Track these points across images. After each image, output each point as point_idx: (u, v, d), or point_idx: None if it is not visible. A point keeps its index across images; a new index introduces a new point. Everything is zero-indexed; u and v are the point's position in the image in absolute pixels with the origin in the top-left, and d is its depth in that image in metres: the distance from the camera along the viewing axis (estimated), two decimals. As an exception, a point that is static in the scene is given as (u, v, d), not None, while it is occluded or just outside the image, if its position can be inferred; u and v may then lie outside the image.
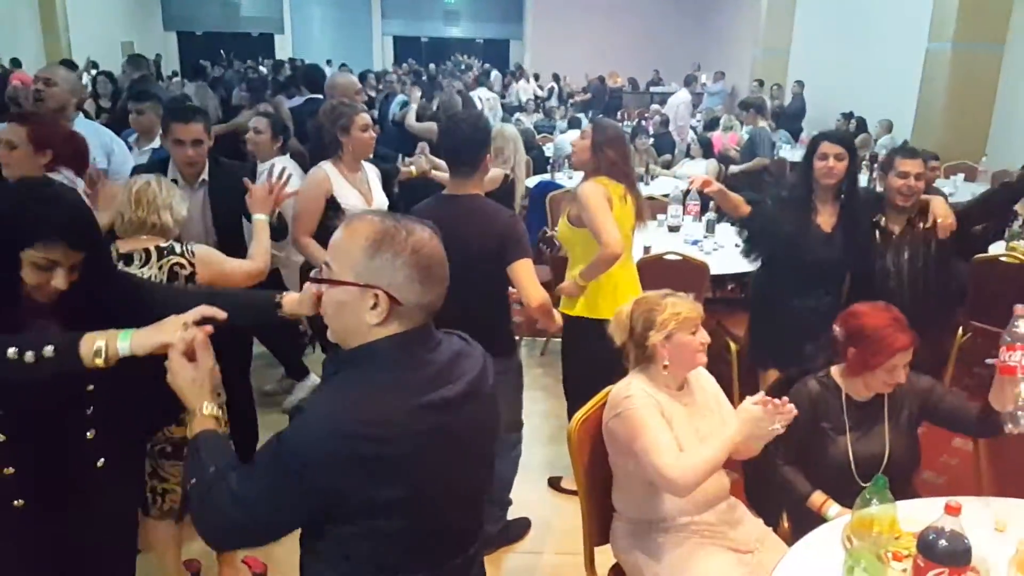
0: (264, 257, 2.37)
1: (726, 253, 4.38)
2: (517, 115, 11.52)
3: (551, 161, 6.99)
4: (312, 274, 1.27)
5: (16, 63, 11.61)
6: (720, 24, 15.92)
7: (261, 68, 13.13)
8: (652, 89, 15.68)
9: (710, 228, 4.66)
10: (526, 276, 2.44)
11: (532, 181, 6.32)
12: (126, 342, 1.40)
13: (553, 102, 13.58)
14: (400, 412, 1.17)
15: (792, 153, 8.87)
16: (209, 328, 1.41)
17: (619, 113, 12.76)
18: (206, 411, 1.31)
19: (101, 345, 1.39)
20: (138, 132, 4.13)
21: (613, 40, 16.85)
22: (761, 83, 11.39)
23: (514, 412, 2.72)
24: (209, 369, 1.35)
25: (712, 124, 9.44)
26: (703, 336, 2.03)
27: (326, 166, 3.06)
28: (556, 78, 15.39)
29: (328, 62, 14.43)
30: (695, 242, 4.49)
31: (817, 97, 11.06)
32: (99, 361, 1.39)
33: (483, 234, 2.42)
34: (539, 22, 17.53)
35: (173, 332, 1.38)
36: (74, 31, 15.70)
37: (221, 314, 1.48)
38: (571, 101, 13.96)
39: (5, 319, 1.44)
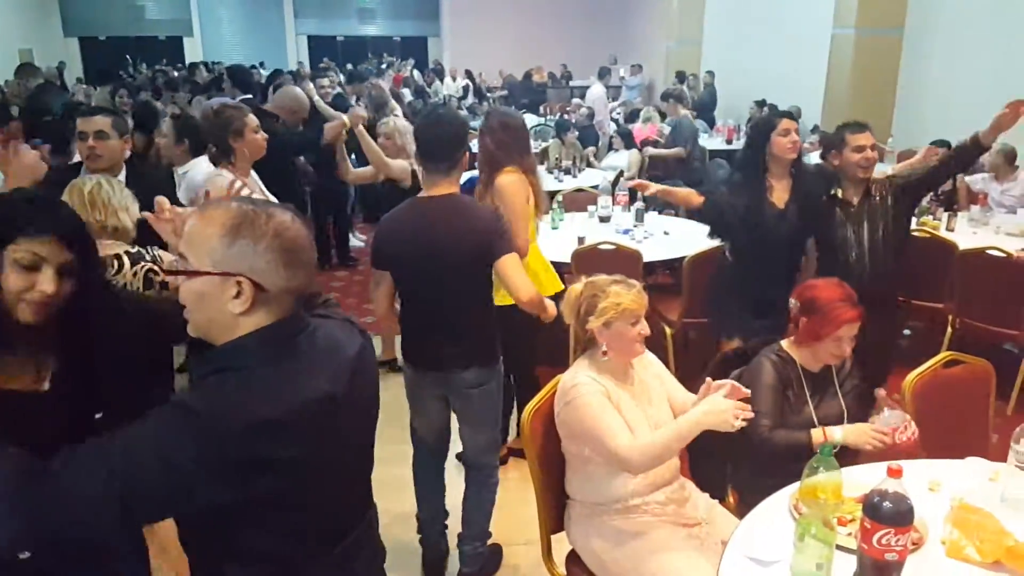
0: None
1: (656, 240, 4.51)
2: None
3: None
4: (166, 266, 1.20)
5: None
6: (635, 17, 16.23)
7: (173, 72, 12.57)
8: (572, 84, 15.86)
9: (639, 217, 4.76)
10: (514, 270, 2.37)
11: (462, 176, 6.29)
12: None
13: (470, 99, 13.56)
14: (286, 412, 1.12)
15: (708, 142, 9.14)
16: None
17: (542, 107, 12.86)
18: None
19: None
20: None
21: (530, 36, 16.95)
22: (683, 75, 11.67)
23: (491, 432, 2.62)
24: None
25: (632, 116, 9.64)
26: (643, 328, 2.04)
27: (226, 172, 2.90)
28: (469, 75, 15.37)
29: (261, 64, 14.02)
30: (626, 231, 4.57)
31: (730, 86, 11.42)
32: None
33: (470, 232, 2.33)
34: (456, 19, 17.48)
35: None
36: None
37: None
38: (491, 97, 13.99)
39: None
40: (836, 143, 3.05)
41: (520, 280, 2.38)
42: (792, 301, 2.29)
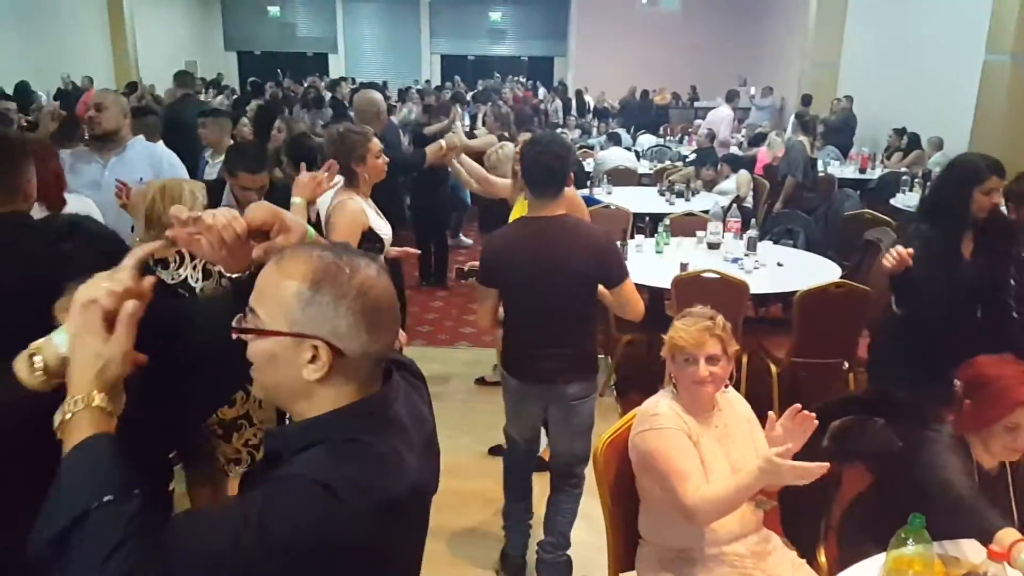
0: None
1: (768, 272, 4.30)
2: (559, 130, 11.58)
3: (591, 176, 7.00)
4: (234, 322, 1.03)
5: (89, 81, 12.18)
6: (767, 38, 15.71)
7: (322, 87, 13.40)
8: (696, 104, 15.55)
9: (751, 246, 4.56)
10: (632, 293, 2.55)
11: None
12: (62, 335, 1.03)
13: (585, 117, 13.59)
14: (407, 489, 1.01)
15: (840, 170, 8.68)
16: (147, 293, 1.04)
17: (662, 128, 12.69)
18: (95, 402, 0.95)
19: (37, 357, 1.03)
20: (208, 146, 4.37)
21: (659, 56, 16.79)
22: (808, 98, 11.18)
23: (586, 442, 2.64)
24: (122, 352, 0.99)
25: (757, 139, 9.32)
26: (703, 370, 1.91)
27: (355, 197, 2.92)
28: (579, 93, 15.38)
29: (384, 84, 14.71)
30: (735, 260, 4.40)
31: (868, 112, 10.79)
32: (39, 375, 1.03)
33: (584, 251, 2.45)
34: (584, 39, 17.58)
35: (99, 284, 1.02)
36: (141, 51, 16.43)
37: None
38: (609, 116, 13.94)
39: None
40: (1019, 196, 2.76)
41: (638, 304, 2.56)
42: (956, 382, 1.95)
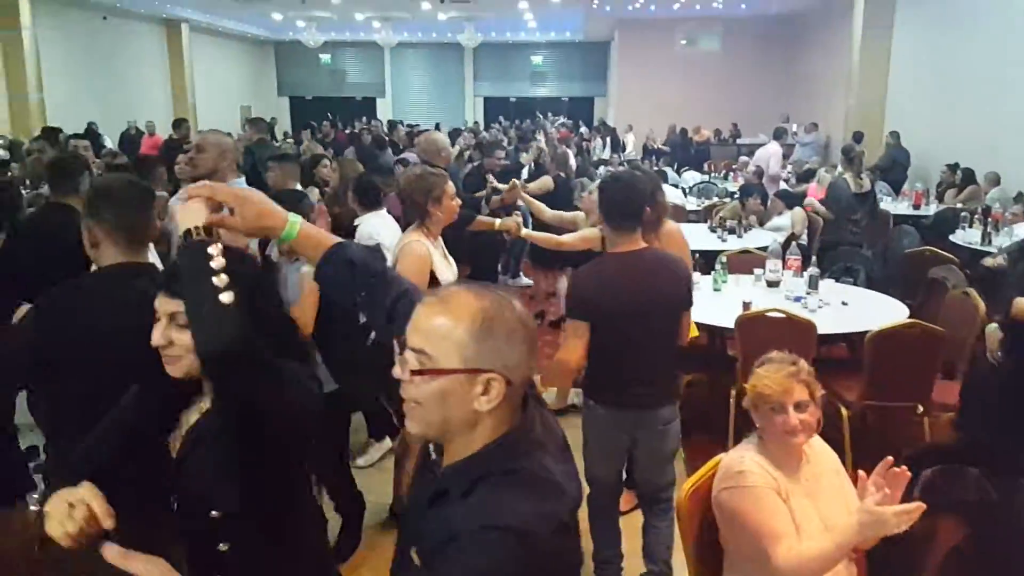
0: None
1: (833, 311, 4.17)
2: (602, 168, 11.71)
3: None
4: (408, 367, 1.05)
5: (152, 126, 12.78)
6: (809, 75, 15.70)
7: (373, 127, 13.75)
8: (739, 141, 15.56)
9: (813, 284, 4.50)
10: (690, 317, 2.75)
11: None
12: None
13: (619, 154, 13.72)
14: (570, 506, 1.06)
15: (894, 206, 8.58)
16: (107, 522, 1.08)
17: (705, 164, 12.73)
18: None
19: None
20: (274, 188, 4.56)
21: (698, 93, 16.89)
22: (860, 135, 11.12)
23: (672, 466, 2.74)
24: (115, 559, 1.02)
25: (807, 176, 9.28)
26: (792, 418, 1.83)
27: (422, 239, 2.91)
28: (613, 131, 15.50)
29: (436, 126, 14.96)
30: (798, 298, 4.31)
31: (918, 147, 10.68)
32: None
33: (674, 281, 2.62)
34: (624, 80, 17.81)
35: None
36: (199, 96, 17.20)
37: None
38: (655, 154, 14.05)
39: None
40: None
41: (691, 326, 2.74)
42: None
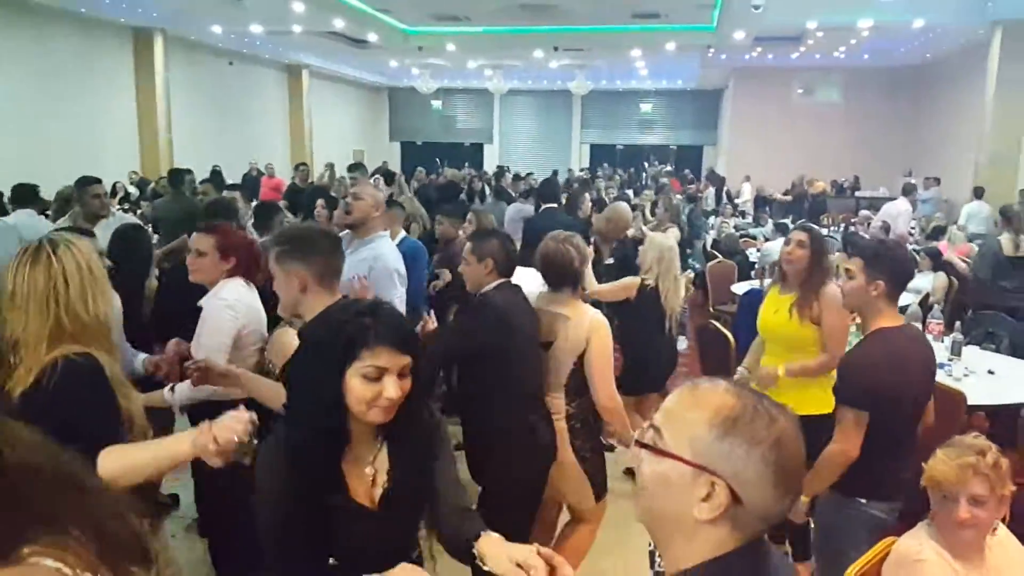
0: None
1: (979, 380, 3.87)
2: (712, 219, 11.40)
3: (755, 266, 6.74)
4: (636, 435, 1.03)
5: (271, 169, 13.54)
6: (933, 127, 14.87)
7: (486, 176, 13.77)
8: (857, 194, 14.85)
9: (955, 350, 4.15)
10: None
11: (741, 287, 6.19)
12: None
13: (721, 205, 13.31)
14: None
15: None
16: None
17: (822, 217, 12.16)
18: None
19: None
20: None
21: (814, 144, 16.33)
22: (981, 191, 10.38)
23: None
24: None
25: (935, 234, 8.67)
26: (963, 511, 1.69)
27: (588, 308, 2.79)
28: (722, 181, 15.09)
29: (555, 174, 14.75)
30: (941, 366, 3.98)
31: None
32: None
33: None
34: (737, 129, 17.47)
35: None
36: (316, 141, 18.17)
37: None
38: (768, 205, 13.60)
39: (331, 447, 1.41)
40: None
41: None
42: None
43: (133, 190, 11.35)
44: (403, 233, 4.20)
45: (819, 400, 2.81)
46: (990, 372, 4.00)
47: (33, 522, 1.07)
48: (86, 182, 4.69)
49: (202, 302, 2.50)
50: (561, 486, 2.72)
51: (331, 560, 1.40)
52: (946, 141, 14.09)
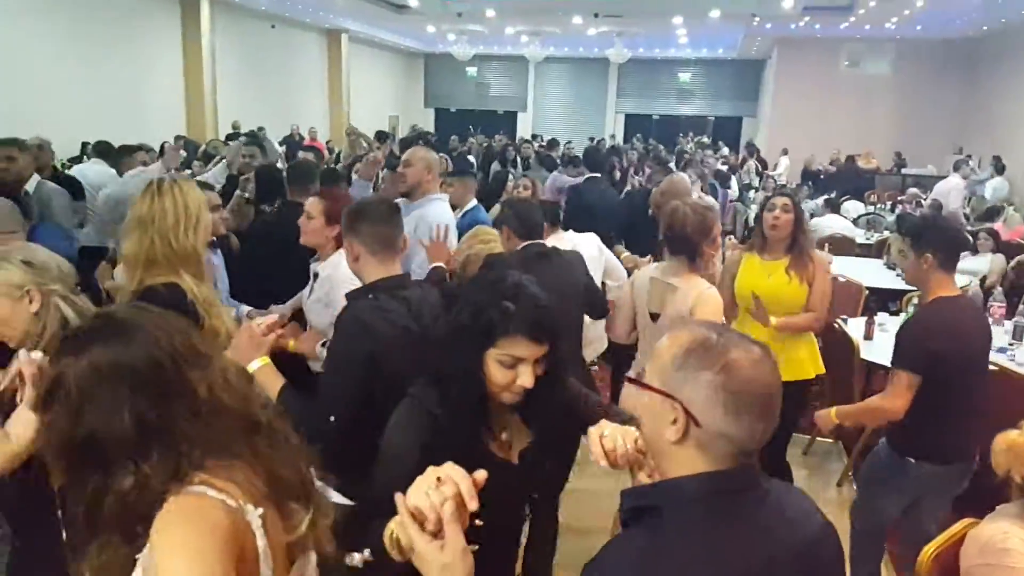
0: None
1: (1045, 366, 3.79)
2: (753, 193, 11.21)
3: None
4: (629, 373, 1.17)
5: (313, 132, 13.59)
6: (990, 104, 14.37)
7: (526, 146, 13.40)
8: (904, 171, 14.48)
9: (1017, 335, 4.08)
10: None
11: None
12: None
13: (776, 176, 13.02)
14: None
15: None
16: (475, 484, 1.06)
17: (866, 194, 11.91)
18: None
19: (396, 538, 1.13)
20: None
21: (858, 118, 15.90)
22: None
23: None
24: (460, 550, 1.00)
25: (989, 214, 8.46)
26: None
27: (714, 288, 2.77)
28: (753, 151, 14.73)
29: (613, 145, 14.48)
30: (1001, 350, 3.93)
31: None
32: (394, 553, 1.13)
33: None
34: (780, 101, 17.03)
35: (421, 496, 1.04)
36: (354, 106, 18.14)
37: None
38: (814, 179, 13.30)
39: (469, 419, 1.44)
40: None
41: None
42: None
43: (182, 153, 11.44)
44: (474, 202, 4.11)
45: (799, 365, 3.08)
46: (1059, 359, 3.91)
47: (211, 453, 1.12)
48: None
49: (321, 268, 2.62)
50: None
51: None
52: (1001, 119, 13.65)
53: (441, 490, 1.02)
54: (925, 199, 9.53)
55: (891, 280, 5.76)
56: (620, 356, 3.72)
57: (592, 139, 16.13)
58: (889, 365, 2.58)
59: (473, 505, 1.03)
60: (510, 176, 6.62)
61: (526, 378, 1.40)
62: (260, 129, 12.41)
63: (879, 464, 2.72)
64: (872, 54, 16.17)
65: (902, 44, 15.69)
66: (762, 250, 3.20)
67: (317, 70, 17.66)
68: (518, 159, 11.06)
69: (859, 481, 2.85)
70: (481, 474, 1.06)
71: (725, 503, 1.05)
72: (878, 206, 10.36)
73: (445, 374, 1.45)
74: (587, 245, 3.51)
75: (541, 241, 2.87)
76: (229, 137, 6.99)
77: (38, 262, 1.76)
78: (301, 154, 6.80)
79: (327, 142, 14.31)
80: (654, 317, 2.79)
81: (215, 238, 2.91)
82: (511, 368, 1.40)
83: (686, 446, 1.05)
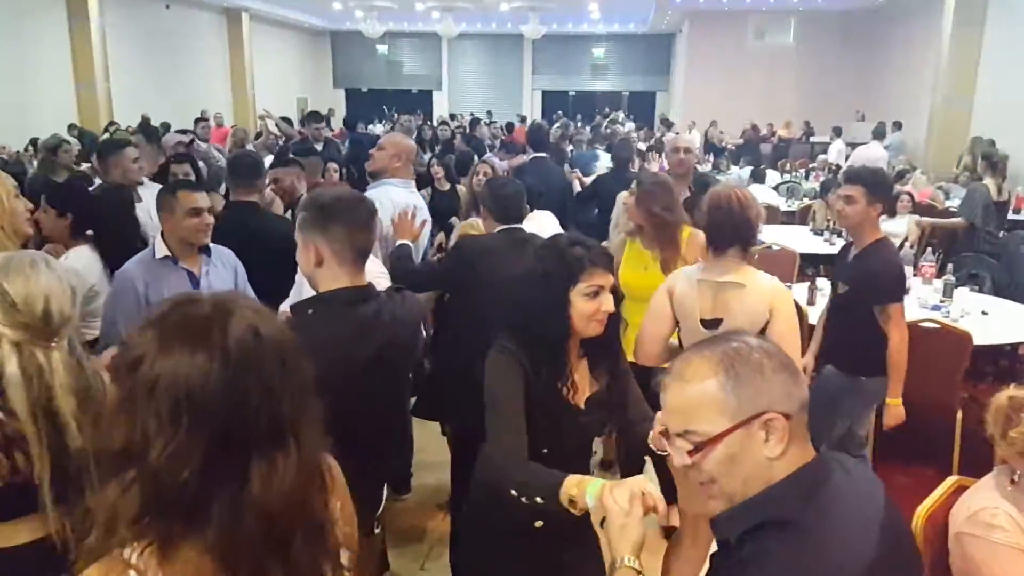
0: None
1: (975, 320, 3.94)
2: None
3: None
4: (672, 454, 1.06)
5: (219, 118, 12.81)
6: (888, 72, 15.09)
7: (450, 122, 12.97)
8: (812, 139, 15.05)
9: (947, 292, 4.23)
10: None
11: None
12: (591, 499, 1.37)
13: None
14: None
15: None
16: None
17: (779, 163, 12.30)
18: (627, 563, 1.21)
19: (573, 495, 1.42)
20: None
21: (767, 90, 16.42)
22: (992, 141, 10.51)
23: None
24: (639, 519, 1.26)
25: (897, 177, 8.84)
26: None
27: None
28: (669, 125, 15.03)
29: (542, 122, 13.89)
30: (936, 307, 4.07)
31: (1008, 148, 10.11)
32: (571, 509, 1.42)
33: None
34: (691, 74, 17.38)
35: (636, 486, 1.30)
36: (258, 88, 17.30)
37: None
38: (720, 152, 13.62)
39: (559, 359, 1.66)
40: None
41: None
42: None
43: (75, 143, 10.58)
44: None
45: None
46: (984, 313, 4.09)
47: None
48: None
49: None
50: None
51: (544, 451, 1.62)
52: (900, 85, 14.34)
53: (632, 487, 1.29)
54: (835, 167, 9.88)
55: (819, 245, 5.92)
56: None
57: (520, 116, 15.88)
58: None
59: (662, 508, 1.28)
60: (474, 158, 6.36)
61: (609, 303, 1.64)
62: (144, 116, 11.61)
63: (829, 389, 2.94)
64: (776, 26, 16.69)
65: (804, 16, 16.26)
66: (642, 237, 3.09)
67: (218, 52, 16.73)
68: (435, 141, 10.73)
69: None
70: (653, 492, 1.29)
71: (819, 496, 1.02)
72: (793, 174, 10.70)
73: (534, 318, 1.63)
74: (549, 226, 3.46)
75: (520, 226, 2.74)
76: (141, 129, 6.42)
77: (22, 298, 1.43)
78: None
79: (232, 127, 13.58)
80: (707, 324, 2.35)
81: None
82: (595, 298, 1.63)
83: (790, 446, 1.01)
